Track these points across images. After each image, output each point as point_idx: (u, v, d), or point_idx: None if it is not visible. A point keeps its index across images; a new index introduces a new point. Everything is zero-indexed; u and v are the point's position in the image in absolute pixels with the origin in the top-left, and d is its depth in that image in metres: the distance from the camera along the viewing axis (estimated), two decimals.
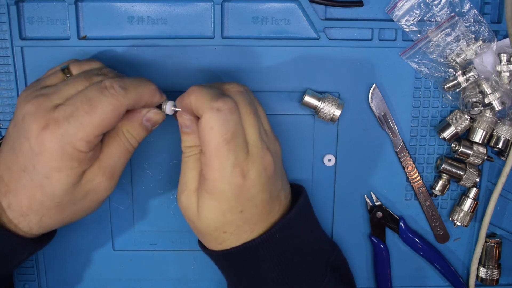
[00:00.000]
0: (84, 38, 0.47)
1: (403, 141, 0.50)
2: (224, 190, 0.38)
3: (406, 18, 0.47)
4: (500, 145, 0.49)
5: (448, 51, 0.47)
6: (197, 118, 0.40)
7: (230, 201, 0.39)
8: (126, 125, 0.41)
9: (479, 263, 0.53)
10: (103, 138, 0.41)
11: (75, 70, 0.41)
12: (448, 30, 0.47)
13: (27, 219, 0.40)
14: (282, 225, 0.42)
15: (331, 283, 0.45)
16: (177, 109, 0.41)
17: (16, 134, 0.38)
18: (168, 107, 0.42)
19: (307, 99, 0.47)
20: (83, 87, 0.38)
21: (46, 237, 0.44)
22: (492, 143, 0.49)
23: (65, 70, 0.41)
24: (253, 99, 0.42)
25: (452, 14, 0.46)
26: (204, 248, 0.45)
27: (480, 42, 0.46)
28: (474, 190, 0.51)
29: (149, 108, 0.41)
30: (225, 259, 0.43)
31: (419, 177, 0.51)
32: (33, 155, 0.37)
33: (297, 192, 0.46)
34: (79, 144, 0.37)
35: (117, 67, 0.47)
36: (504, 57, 0.46)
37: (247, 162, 0.39)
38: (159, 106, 0.42)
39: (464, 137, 0.50)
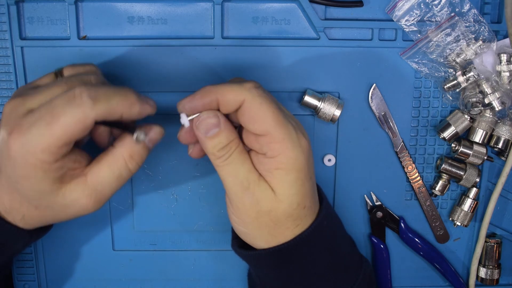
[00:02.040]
0: (84, 38, 0.47)
1: (403, 141, 0.50)
2: (297, 156, 0.38)
3: (406, 18, 0.47)
4: (500, 145, 0.49)
5: (448, 51, 0.47)
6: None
7: (304, 167, 0.39)
8: (125, 152, 0.39)
9: (479, 263, 0.53)
10: (97, 160, 0.39)
11: (67, 73, 0.41)
12: (448, 30, 0.47)
13: (11, 215, 0.40)
14: (326, 212, 0.42)
15: (368, 269, 0.46)
16: (195, 116, 0.38)
17: None
18: (184, 119, 0.38)
19: (307, 99, 0.47)
20: (60, 91, 0.37)
21: (41, 230, 0.44)
22: (492, 143, 0.49)
23: (58, 73, 0.41)
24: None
25: (452, 14, 0.46)
26: (247, 251, 0.42)
27: (480, 42, 0.46)
28: (474, 190, 0.51)
29: (149, 127, 0.40)
30: (277, 256, 0.41)
31: (419, 177, 0.51)
32: (2, 158, 0.37)
33: None
34: (41, 155, 0.35)
35: (117, 67, 0.47)
36: (504, 57, 0.46)
37: (299, 127, 0.40)
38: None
39: (464, 137, 0.50)
